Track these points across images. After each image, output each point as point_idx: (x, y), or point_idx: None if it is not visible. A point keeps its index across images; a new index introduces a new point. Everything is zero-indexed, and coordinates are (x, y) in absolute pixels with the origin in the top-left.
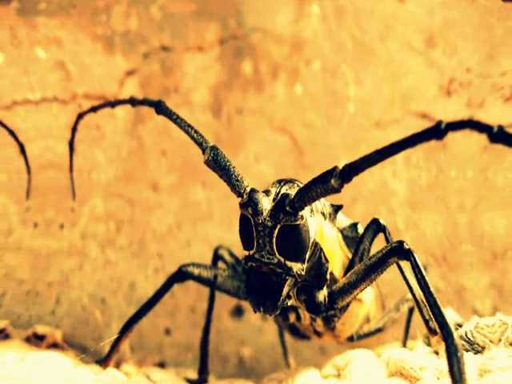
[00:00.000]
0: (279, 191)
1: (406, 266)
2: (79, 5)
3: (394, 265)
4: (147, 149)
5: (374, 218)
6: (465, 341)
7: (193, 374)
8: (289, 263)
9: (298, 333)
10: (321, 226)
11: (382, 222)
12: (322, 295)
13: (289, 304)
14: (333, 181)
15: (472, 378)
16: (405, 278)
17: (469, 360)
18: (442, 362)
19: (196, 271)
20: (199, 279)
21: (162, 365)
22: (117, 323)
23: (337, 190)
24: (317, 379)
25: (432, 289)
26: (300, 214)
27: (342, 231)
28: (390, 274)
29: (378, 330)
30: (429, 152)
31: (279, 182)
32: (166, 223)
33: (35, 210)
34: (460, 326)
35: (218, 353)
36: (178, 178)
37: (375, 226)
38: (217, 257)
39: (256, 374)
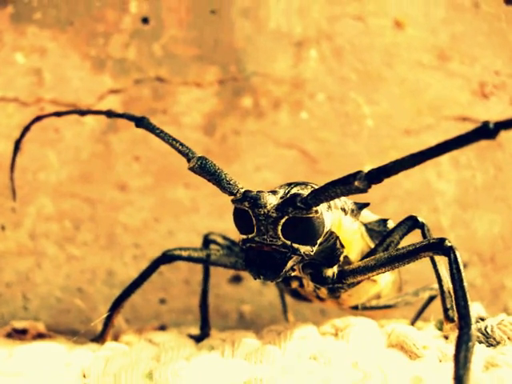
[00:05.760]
0: (289, 191)
1: (440, 259)
2: (77, 23)
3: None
4: (116, 154)
5: (410, 215)
6: (481, 333)
7: (195, 332)
8: (296, 245)
9: (299, 296)
10: (339, 220)
11: (420, 219)
12: (331, 271)
13: (292, 275)
14: (357, 182)
15: (477, 369)
16: (437, 270)
17: (478, 351)
18: (449, 347)
19: (184, 253)
20: (190, 259)
21: (162, 328)
22: (104, 306)
23: (362, 191)
24: (314, 334)
25: (465, 283)
26: (314, 209)
27: (366, 225)
28: (418, 264)
29: (387, 307)
30: (482, 152)
31: (289, 184)
32: (140, 219)
33: None
34: (482, 319)
35: (219, 311)
36: (152, 181)
37: (410, 223)
38: (208, 242)
39: (256, 327)
